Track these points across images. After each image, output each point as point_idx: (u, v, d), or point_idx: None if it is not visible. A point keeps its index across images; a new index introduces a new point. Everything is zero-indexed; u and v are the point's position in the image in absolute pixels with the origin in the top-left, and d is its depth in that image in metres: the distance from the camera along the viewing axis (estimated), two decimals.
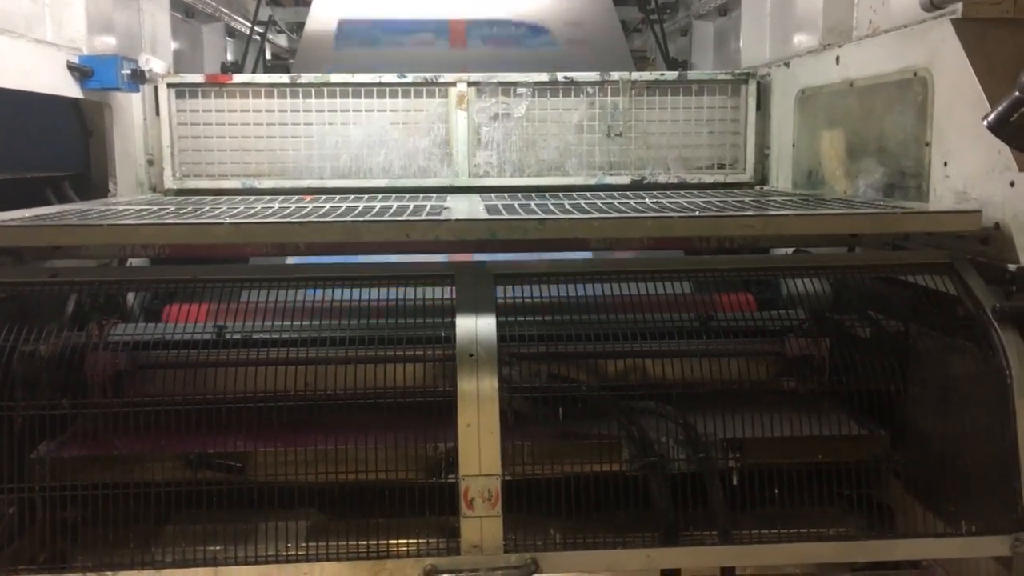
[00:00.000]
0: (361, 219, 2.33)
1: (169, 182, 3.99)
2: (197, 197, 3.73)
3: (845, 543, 2.39)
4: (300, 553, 2.57)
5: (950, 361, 2.69)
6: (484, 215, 2.48)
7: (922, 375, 2.81)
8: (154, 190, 4.04)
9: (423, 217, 2.40)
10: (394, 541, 2.32)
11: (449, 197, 3.46)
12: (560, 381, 2.84)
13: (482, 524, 2.09)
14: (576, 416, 2.77)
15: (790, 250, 3.47)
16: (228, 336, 2.93)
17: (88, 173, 3.83)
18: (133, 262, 3.35)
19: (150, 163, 4.02)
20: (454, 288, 2.33)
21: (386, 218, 2.37)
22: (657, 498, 2.61)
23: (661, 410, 2.77)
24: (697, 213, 2.45)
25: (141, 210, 3.06)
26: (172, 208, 3.02)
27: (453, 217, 2.41)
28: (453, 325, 2.22)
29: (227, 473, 2.71)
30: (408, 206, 2.83)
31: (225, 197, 3.69)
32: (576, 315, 2.99)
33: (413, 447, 2.58)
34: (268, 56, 6.75)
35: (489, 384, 2.11)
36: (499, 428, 2.10)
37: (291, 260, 3.11)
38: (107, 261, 3.15)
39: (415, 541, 2.48)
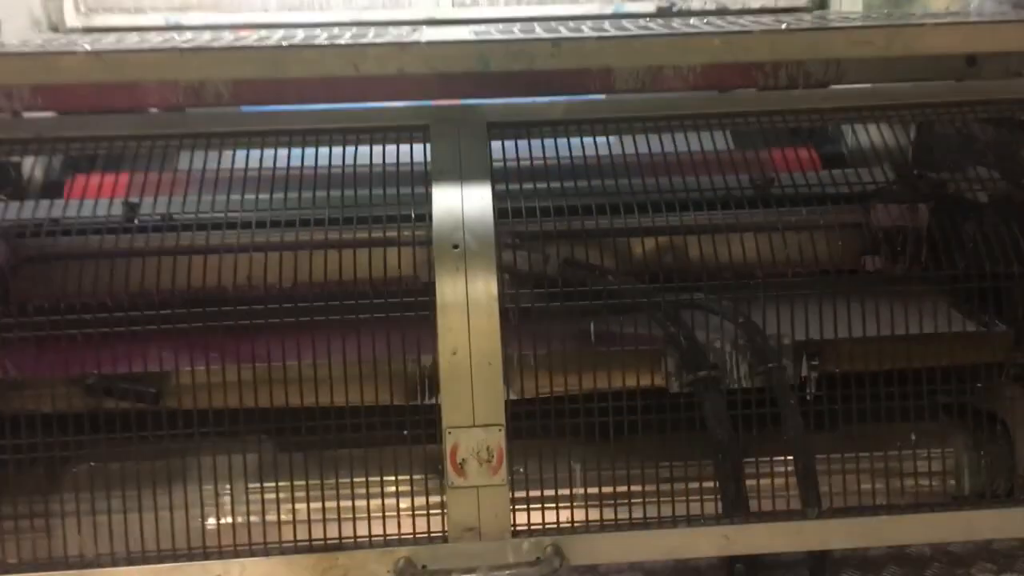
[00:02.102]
0: (286, 44, 1.56)
1: (72, 19, 3.15)
2: (106, 36, 2.93)
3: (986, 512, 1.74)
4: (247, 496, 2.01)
5: None
6: (473, 37, 1.72)
7: None
8: (56, 30, 3.22)
9: (381, 40, 1.64)
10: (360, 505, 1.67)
11: (426, 29, 2.67)
12: (579, 269, 2.14)
13: (479, 497, 1.43)
14: (602, 316, 2.09)
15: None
16: (140, 217, 2.23)
17: None
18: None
19: None
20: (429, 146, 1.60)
21: (324, 42, 1.60)
22: (714, 428, 1.95)
23: (715, 306, 2.09)
24: (784, 26, 1.69)
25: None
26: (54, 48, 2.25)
27: (424, 39, 1.64)
28: (427, 200, 1.49)
29: (138, 401, 2.06)
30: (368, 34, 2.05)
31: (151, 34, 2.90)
32: (596, 180, 2.27)
33: (382, 363, 1.92)
34: None
35: (484, 289, 1.40)
36: (501, 355, 1.41)
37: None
38: None
39: (392, 499, 1.84)
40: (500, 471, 1.41)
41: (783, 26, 1.69)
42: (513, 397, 1.78)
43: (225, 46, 1.58)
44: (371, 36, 1.82)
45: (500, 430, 1.41)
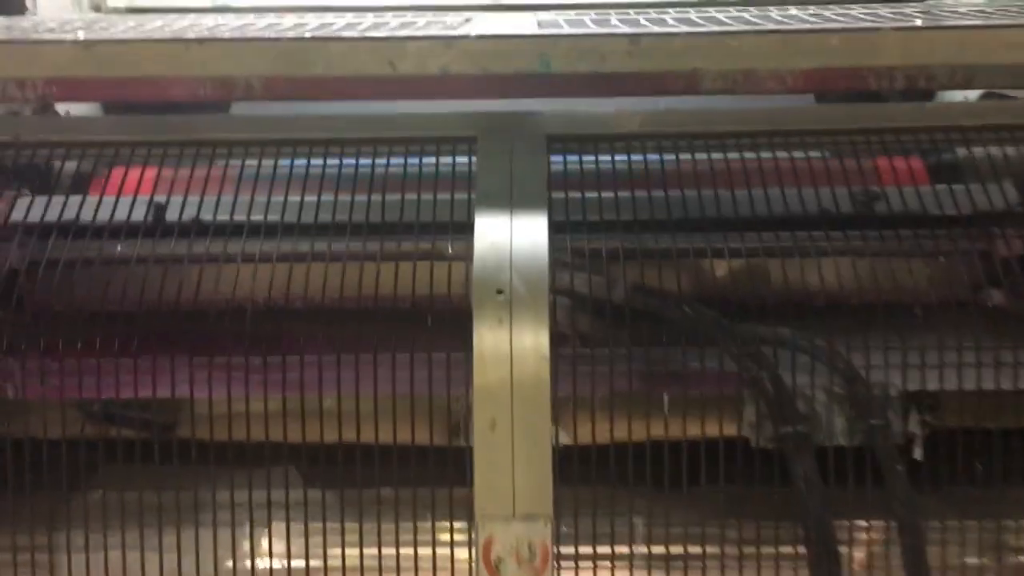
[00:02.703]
0: (309, 35, 1.32)
1: None
2: (150, 17, 2.73)
3: None
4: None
5: None
6: (532, 30, 1.45)
7: None
8: (98, 9, 3.03)
9: (423, 33, 1.38)
10: None
11: (480, 17, 2.40)
12: (648, 297, 1.86)
13: None
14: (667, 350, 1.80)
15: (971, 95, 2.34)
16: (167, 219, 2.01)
17: None
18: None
19: None
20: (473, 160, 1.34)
21: (355, 34, 1.35)
22: (803, 494, 1.66)
23: (806, 345, 1.79)
24: (919, 22, 1.38)
25: (44, 31, 2.11)
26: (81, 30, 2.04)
27: (473, 33, 1.38)
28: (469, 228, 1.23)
29: (147, 431, 1.85)
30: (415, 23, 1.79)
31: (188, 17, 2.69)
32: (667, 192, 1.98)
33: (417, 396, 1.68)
34: None
35: (533, 347, 1.14)
36: (550, 431, 1.14)
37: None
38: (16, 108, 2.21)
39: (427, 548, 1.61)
40: (545, 573, 1.15)
41: (918, 22, 1.38)
42: (565, 442, 1.53)
43: (239, 38, 1.35)
44: (417, 26, 1.57)
45: (547, 524, 1.15)
